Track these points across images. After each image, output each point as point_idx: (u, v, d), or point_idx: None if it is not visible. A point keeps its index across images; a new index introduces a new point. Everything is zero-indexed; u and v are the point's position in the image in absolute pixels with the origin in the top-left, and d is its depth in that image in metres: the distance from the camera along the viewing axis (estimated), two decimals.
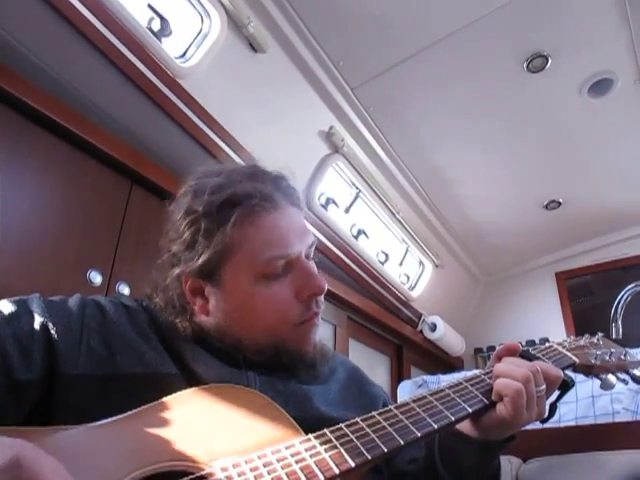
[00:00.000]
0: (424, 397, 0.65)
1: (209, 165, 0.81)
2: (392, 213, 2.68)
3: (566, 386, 0.74)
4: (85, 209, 1.42)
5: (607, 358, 0.84)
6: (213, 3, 1.64)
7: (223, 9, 1.65)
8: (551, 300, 3.38)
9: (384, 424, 0.59)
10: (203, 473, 0.52)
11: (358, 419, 0.59)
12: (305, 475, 0.51)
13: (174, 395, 0.60)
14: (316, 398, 0.73)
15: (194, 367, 0.69)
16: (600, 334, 0.92)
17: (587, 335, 0.91)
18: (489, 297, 3.65)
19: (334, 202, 2.46)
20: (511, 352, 0.75)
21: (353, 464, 0.53)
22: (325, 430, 0.57)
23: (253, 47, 1.75)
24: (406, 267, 3.04)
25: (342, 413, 0.71)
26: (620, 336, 1.70)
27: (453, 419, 0.63)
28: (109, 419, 0.55)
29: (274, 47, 1.82)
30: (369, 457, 0.54)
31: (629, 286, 1.77)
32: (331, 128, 2.20)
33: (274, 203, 0.74)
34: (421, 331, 3.11)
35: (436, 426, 0.61)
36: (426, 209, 2.85)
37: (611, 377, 0.84)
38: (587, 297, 3.45)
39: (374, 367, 2.87)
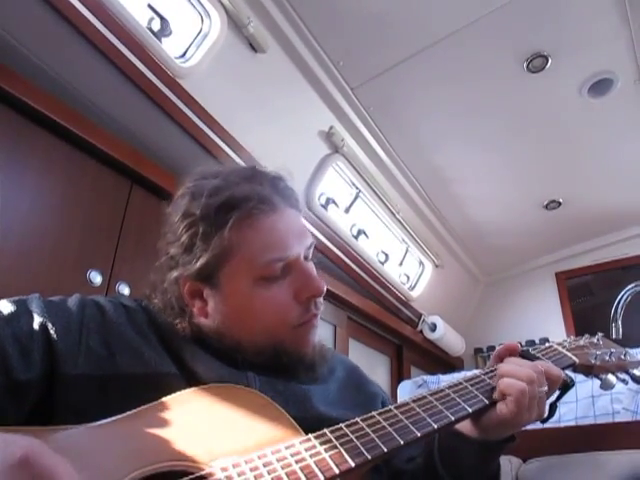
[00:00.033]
0: (424, 397, 0.65)
1: (207, 166, 0.81)
2: (392, 213, 2.68)
3: (566, 386, 0.74)
4: (85, 209, 1.42)
5: (607, 358, 0.84)
6: (213, 3, 1.64)
7: (223, 9, 1.65)
8: (551, 300, 3.38)
9: (384, 424, 0.59)
10: (203, 473, 0.52)
11: (358, 419, 0.59)
12: (305, 475, 0.51)
13: (174, 395, 0.60)
14: (316, 398, 0.73)
15: (193, 367, 0.69)
16: (600, 334, 0.92)
17: (587, 335, 0.91)
18: (489, 297, 3.65)
19: (334, 202, 2.46)
20: (511, 352, 0.75)
21: (353, 464, 0.53)
22: (325, 430, 0.57)
23: (253, 47, 1.75)
24: (406, 267, 3.04)
25: (341, 412, 0.71)
26: (620, 336, 1.70)
27: (453, 419, 0.63)
28: (109, 419, 0.55)
29: (274, 47, 1.82)
30: (369, 457, 0.54)
31: (629, 286, 1.77)
32: (331, 128, 2.20)
33: (272, 205, 0.74)
34: (421, 331, 3.11)
35: (436, 426, 0.61)
36: (426, 209, 2.85)
37: (611, 377, 0.84)
38: (587, 297, 3.45)
39: (374, 367, 2.87)
